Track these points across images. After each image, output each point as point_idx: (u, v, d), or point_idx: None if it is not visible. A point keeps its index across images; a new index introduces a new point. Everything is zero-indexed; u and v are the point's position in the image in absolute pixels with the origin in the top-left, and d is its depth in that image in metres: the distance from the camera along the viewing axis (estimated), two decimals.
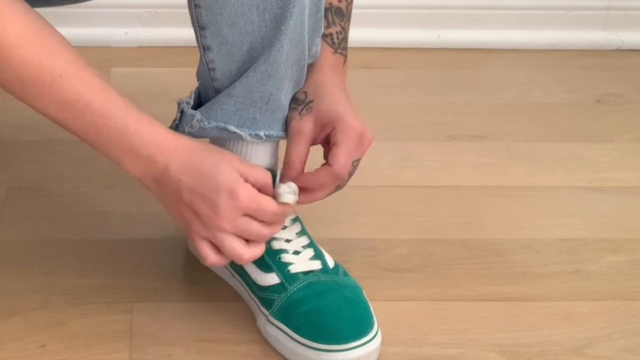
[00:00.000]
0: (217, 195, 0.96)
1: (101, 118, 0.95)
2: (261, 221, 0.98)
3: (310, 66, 1.06)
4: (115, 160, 0.97)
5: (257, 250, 1.00)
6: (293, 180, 1.02)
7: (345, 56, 1.09)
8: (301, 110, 1.04)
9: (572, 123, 1.56)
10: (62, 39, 0.95)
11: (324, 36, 1.06)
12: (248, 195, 0.96)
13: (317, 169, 1.03)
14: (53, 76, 0.93)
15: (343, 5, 1.09)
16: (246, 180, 0.97)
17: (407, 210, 1.30)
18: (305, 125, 1.03)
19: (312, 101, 1.04)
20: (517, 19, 1.80)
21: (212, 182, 0.96)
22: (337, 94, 1.05)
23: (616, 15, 1.82)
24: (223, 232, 0.97)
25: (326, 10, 1.06)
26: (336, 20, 1.07)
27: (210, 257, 0.99)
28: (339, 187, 1.04)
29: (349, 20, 1.09)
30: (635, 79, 1.71)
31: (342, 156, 1.01)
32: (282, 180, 1.03)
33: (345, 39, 1.08)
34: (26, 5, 0.94)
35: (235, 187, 0.96)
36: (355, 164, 1.03)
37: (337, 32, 1.07)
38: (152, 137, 0.96)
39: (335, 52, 1.07)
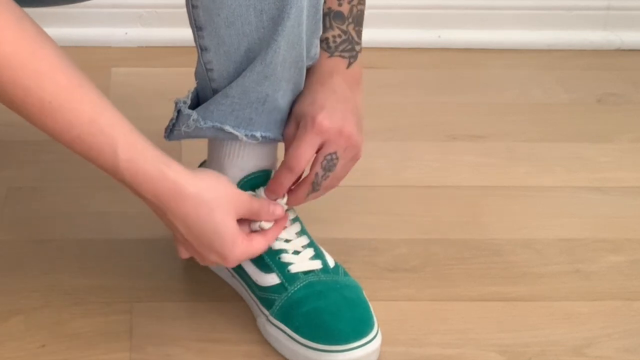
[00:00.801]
0: (212, 251, 0.98)
1: (91, 151, 0.92)
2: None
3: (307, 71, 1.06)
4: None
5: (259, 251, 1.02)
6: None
7: (349, 57, 1.08)
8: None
9: (572, 123, 1.56)
10: (58, 58, 0.90)
11: (320, 41, 1.06)
12: (241, 252, 0.98)
13: (280, 170, 1.04)
14: (42, 102, 0.89)
15: (344, 8, 1.08)
16: (249, 218, 1.00)
17: (407, 210, 1.30)
18: (288, 130, 1.05)
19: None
20: (517, 19, 1.80)
21: (210, 245, 0.97)
22: (318, 93, 1.04)
23: (616, 15, 1.82)
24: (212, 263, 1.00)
25: (324, 15, 1.06)
26: (334, 24, 1.07)
27: (184, 254, 1.02)
28: (315, 185, 1.04)
29: (355, 23, 1.08)
30: (635, 79, 1.71)
31: (294, 147, 1.02)
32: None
33: (347, 41, 1.07)
34: (23, 20, 0.89)
35: (231, 248, 0.97)
36: (329, 157, 1.03)
37: (333, 36, 1.07)
38: (144, 180, 0.93)
39: (332, 55, 1.06)
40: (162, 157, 0.94)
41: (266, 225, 1.02)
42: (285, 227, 1.06)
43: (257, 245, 1.00)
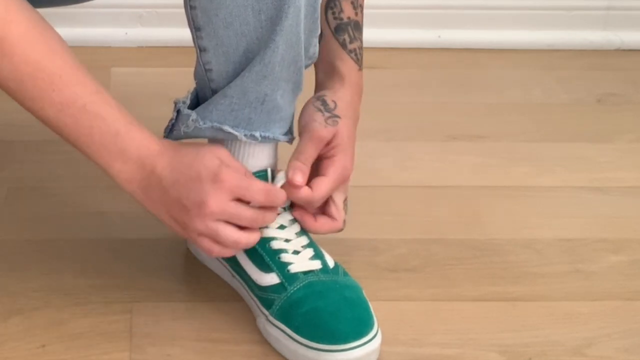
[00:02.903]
0: (200, 182, 0.97)
1: (95, 120, 0.96)
2: (253, 207, 1.00)
3: (340, 77, 1.08)
4: (104, 166, 0.99)
5: (253, 236, 1.01)
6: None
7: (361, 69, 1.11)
8: (328, 118, 1.06)
9: (572, 123, 1.56)
10: (62, 42, 0.97)
11: (349, 52, 1.08)
12: (233, 176, 0.98)
13: (320, 218, 1.07)
14: (52, 77, 0.94)
15: (359, 18, 1.10)
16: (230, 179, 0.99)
17: (407, 210, 1.30)
18: (327, 135, 1.05)
19: (339, 117, 1.06)
20: (517, 19, 1.80)
21: (194, 171, 0.97)
22: (352, 127, 1.07)
23: (616, 15, 1.82)
24: (215, 220, 0.98)
25: (346, 24, 1.09)
26: (356, 34, 1.10)
27: (215, 249, 1.00)
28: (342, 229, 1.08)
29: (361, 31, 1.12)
30: (635, 79, 1.71)
31: (324, 185, 1.04)
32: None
33: (362, 52, 1.11)
34: (30, 6, 0.95)
35: (218, 171, 0.97)
36: (346, 203, 1.07)
37: (359, 48, 1.10)
38: (141, 141, 0.98)
39: (360, 69, 1.10)
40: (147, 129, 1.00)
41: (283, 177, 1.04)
42: (285, 227, 1.07)
43: (257, 182, 1.00)
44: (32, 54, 0.93)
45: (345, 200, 1.08)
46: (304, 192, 1.03)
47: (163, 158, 0.98)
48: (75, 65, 0.96)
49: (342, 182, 1.06)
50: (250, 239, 1.01)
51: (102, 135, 0.97)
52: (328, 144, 1.05)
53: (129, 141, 0.97)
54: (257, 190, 1.00)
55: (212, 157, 0.98)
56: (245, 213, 0.99)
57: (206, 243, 1.00)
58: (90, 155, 0.98)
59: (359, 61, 1.10)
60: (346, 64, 1.09)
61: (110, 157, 0.98)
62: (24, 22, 0.93)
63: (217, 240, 1.00)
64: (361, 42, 1.11)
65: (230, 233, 0.99)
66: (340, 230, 1.08)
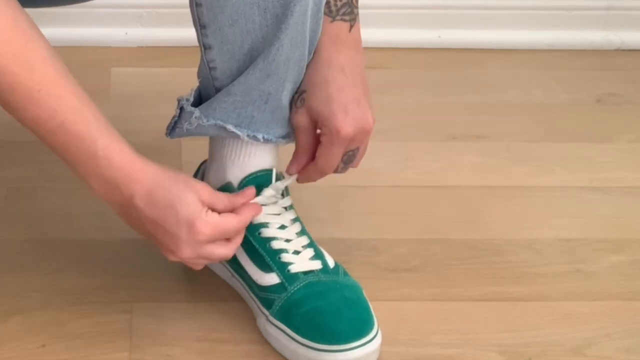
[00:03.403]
0: (177, 229, 0.96)
1: (72, 139, 0.94)
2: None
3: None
4: (83, 180, 0.97)
5: (233, 246, 1.01)
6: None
7: (350, 20, 1.05)
8: (296, 101, 1.04)
9: (572, 123, 1.56)
10: (48, 52, 0.93)
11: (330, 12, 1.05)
12: (209, 226, 0.97)
13: (307, 166, 1.05)
14: (30, 91, 0.91)
15: None
16: (214, 209, 0.98)
17: (407, 210, 1.30)
18: (301, 119, 1.04)
19: (304, 91, 1.04)
20: (517, 19, 1.80)
21: (172, 216, 0.96)
22: (330, 84, 1.03)
23: (616, 15, 1.82)
24: (187, 258, 0.99)
25: None
26: None
27: (196, 266, 1.02)
28: (336, 171, 1.06)
29: None
30: (635, 79, 1.71)
31: (322, 157, 1.03)
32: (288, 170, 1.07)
33: (347, 4, 1.05)
34: (17, 12, 0.92)
35: (195, 221, 0.96)
36: (350, 153, 1.04)
37: (335, 0, 1.04)
38: (119, 165, 0.95)
39: (334, 20, 1.04)
40: (133, 150, 0.97)
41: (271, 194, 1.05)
42: (285, 227, 1.07)
43: (228, 220, 0.99)
44: (10, 66, 0.90)
45: (352, 150, 1.04)
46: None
47: (142, 188, 0.96)
48: (59, 78, 0.93)
49: (341, 143, 1.03)
50: (230, 251, 1.01)
51: (79, 154, 0.94)
52: (316, 122, 1.03)
53: (106, 165, 0.95)
54: (231, 230, 1.00)
55: (194, 202, 0.96)
56: (216, 253, 0.99)
57: (186, 262, 1.01)
58: (69, 167, 0.97)
59: (332, 12, 1.04)
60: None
61: (87, 175, 0.96)
62: (6, 31, 0.90)
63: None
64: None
65: (201, 264, 1.01)
66: (337, 172, 1.06)
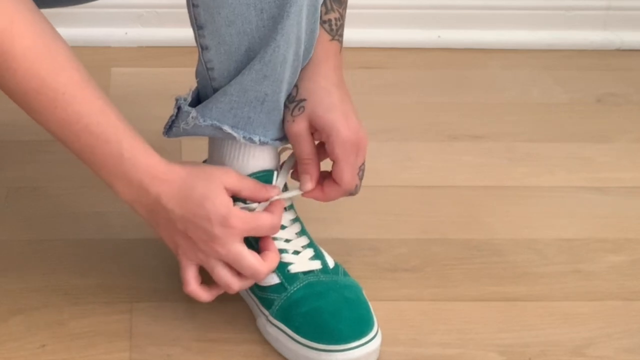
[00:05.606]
0: (210, 224, 0.97)
1: (97, 141, 0.95)
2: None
3: None
4: (108, 184, 0.98)
5: (247, 283, 1.02)
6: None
7: (341, 42, 1.07)
8: (293, 109, 1.03)
9: (572, 123, 1.56)
10: (70, 56, 0.95)
11: (322, 22, 1.05)
12: (242, 221, 0.98)
13: (326, 185, 1.04)
14: (55, 93, 0.93)
15: None
16: (240, 195, 1.00)
17: (407, 210, 1.30)
18: (300, 127, 1.03)
19: (304, 100, 1.03)
20: (517, 19, 1.80)
21: (203, 211, 0.97)
22: (331, 94, 1.03)
23: (616, 15, 1.82)
24: (217, 258, 0.99)
25: None
26: (334, 6, 1.06)
27: (192, 284, 1.02)
28: (352, 193, 1.06)
29: (345, 7, 1.08)
30: (635, 79, 1.72)
31: (346, 173, 1.03)
32: (298, 174, 1.06)
33: (342, 25, 1.07)
34: (38, 16, 0.94)
35: (228, 216, 0.97)
36: (362, 168, 1.04)
37: (335, 19, 1.06)
38: (145, 166, 0.97)
39: (333, 39, 1.06)
40: (155, 152, 0.98)
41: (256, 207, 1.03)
42: (285, 227, 1.06)
43: (264, 217, 1.00)
44: (36, 70, 0.92)
45: (362, 165, 1.04)
46: (315, 195, 1.05)
47: (169, 188, 0.97)
48: (82, 81, 0.95)
49: (356, 153, 1.03)
50: (243, 285, 1.02)
51: (104, 156, 0.96)
52: (316, 131, 1.03)
53: (131, 167, 0.96)
54: (264, 227, 1.01)
55: (222, 195, 0.98)
56: (246, 262, 0.99)
57: (189, 275, 1.02)
58: (94, 171, 0.98)
59: (333, 31, 1.06)
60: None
61: (113, 177, 0.97)
62: (29, 35, 0.92)
63: (210, 273, 1.02)
64: (341, 14, 1.07)
65: (225, 275, 1.01)
66: (353, 194, 1.06)
